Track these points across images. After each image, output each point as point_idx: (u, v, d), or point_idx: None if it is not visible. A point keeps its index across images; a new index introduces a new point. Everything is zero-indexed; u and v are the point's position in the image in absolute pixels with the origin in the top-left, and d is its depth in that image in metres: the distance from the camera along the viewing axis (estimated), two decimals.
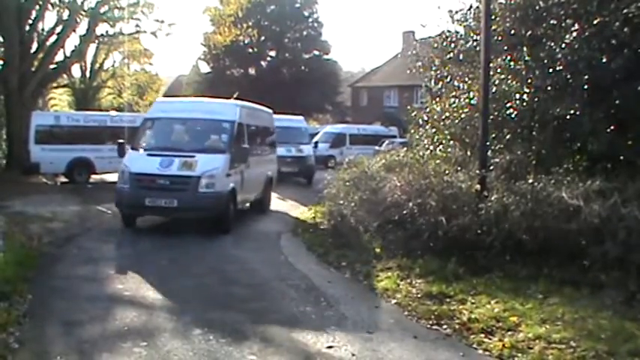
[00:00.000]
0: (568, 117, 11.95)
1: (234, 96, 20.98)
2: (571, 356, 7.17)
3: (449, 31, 15.98)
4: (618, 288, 8.97)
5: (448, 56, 15.56)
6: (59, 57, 34.07)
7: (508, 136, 13.20)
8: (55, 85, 43.84)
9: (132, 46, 48.45)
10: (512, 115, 13.00)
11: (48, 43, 31.36)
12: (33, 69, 30.15)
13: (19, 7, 28.55)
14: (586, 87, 12.06)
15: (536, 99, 12.60)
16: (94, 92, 52.18)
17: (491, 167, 12.11)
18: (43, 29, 33.24)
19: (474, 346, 7.74)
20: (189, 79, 65.99)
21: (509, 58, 13.45)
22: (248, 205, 17.71)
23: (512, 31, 13.55)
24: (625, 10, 11.42)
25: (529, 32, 13.22)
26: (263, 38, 60.59)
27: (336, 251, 12.90)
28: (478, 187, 11.49)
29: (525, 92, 12.78)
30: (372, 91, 62.69)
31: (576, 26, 12.21)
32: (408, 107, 19.50)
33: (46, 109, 45.60)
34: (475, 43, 14.17)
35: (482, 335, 7.99)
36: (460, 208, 11.30)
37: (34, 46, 31.03)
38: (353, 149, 35.33)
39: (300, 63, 62.04)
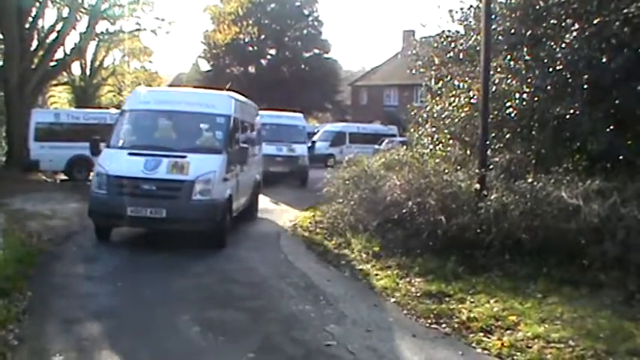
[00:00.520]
0: (568, 116, 11.95)
1: (227, 87, 18.67)
2: (570, 355, 7.19)
3: (449, 31, 15.99)
4: (617, 287, 8.99)
5: (448, 55, 15.57)
6: (59, 54, 33.96)
7: (508, 136, 13.21)
8: (54, 82, 43.73)
9: (132, 43, 48.36)
10: (512, 115, 13.00)
11: (48, 41, 31.28)
12: (33, 66, 30.08)
13: (19, 4, 28.47)
14: (586, 87, 12.07)
15: (536, 98, 12.60)
16: (94, 90, 52.03)
17: (491, 166, 12.11)
18: (43, 27, 33.15)
19: (473, 344, 7.76)
20: (189, 77, 65.99)
21: (509, 57, 13.46)
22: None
23: (512, 31, 13.56)
24: (625, 10, 11.43)
25: (529, 32, 13.23)
26: (263, 37, 60.78)
27: (335, 250, 12.91)
28: (478, 186, 11.50)
29: (525, 92, 12.78)
30: (372, 90, 62.72)
31: (576, 26, 12.22)
32: (408, 106, 19.54)
33: (45, 107, 45.52)
34: (475, 43, 14.18)
35: (482, 334, 8.01)
36: (460, 207, 11.31)
37: (34, 43, 30.95)
38: (352, 148, 35.25)
39: (300, 61, 62.15)
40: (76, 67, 47.57)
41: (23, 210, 16.36)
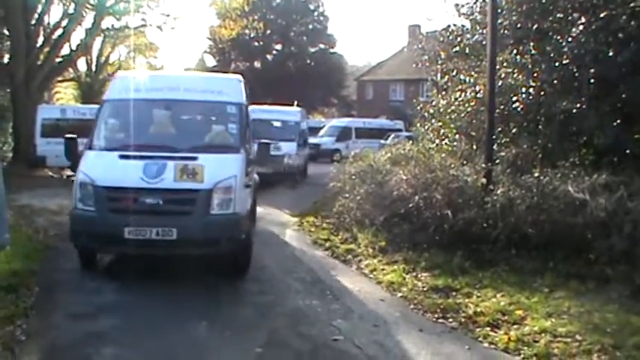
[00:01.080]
0: (574, 111, 11.93)
1: (231, 69, 14.01)
2: (577, 350, 7.18)
3: (455, 25, 15.99)
4: (624, 282, 8.98)
5: (454, 50, 15.55)
6: (65, 50, 34.06)
7: (514, 130, 13.20)
8: (60, 78, 43.89)
9: (138, 39, 48.45)
10: (519, 109, 12.98)
11: (54, 37, 31.35)
12: (39, 62, 30.15)
13: (25, 0, 28.56)
14: (592, 81, 12.05)
15: (542, 93, 12.58)
16: (100, 86, 51.99)
17: (497, 161, 12.11)
18: (49, 23, 33.24)
19: (480, 339, 7.76)
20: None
21: (515, 51, 13.44)
22: None
23: (519, 25, 13.53)
24: (632, 4, 11.43)
25: (535, 26, 13.20)
26: (269, 32, 60.79)
27: (342, 245, 12.92)
28: (484, 180, 11.49)
29: (531, 86, 12.77)
30: (378, 84, 62.67)
31: (583, 20, 12.21)
32: (414, 101, 19.51)
33: (51, 103, 45.64)
34: (481, 37, 14.18)
35: (488, 328, 8.00)
36: (466, 201, 11.30)
37: (40, 39, 31.03)
38: (359, 143, 35.23)
39: (306, 57, 62.18)
40: (81, 63, 47.86)
41: (30, 206, 16.38)
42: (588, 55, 11.91)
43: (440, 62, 16.29)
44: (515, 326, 8.00)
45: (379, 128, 42.56)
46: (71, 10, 31.54)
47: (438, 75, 16.35)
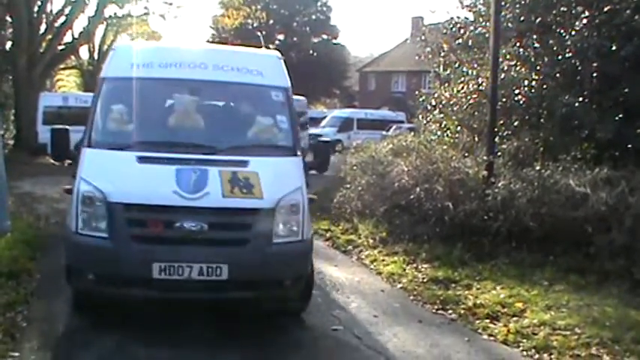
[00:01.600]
0: (576, 105, 11.94)
1: (262, 43, 9.87)
2: (575, 342, 7.19)
3: (458, 17, 15.98)
4: (623, 276, 9.00)
5: (457, 42, 15.54)
6: (67, 38, 34.10)
7: (516, 123, 13.20)
8: (63, 66, 43.90)
9: (140, 28, 48.39)
10: (521, 102, 13.00)
11: (56, 25, 31.36)
12: (41, 50, 30.19)
13: None
14: (595, 75, 12.05)
15: (544, 86, 12.59)
16: None
17: (499, 154, 12.11)
18: (51, 10, 33.28)
19: (479, 331, 7.77)
20: None
21: (518, 44, 13.44)
22: None
23: (522, 18, 13.51)
24: None
25: (538, 19, 13.19)
26: (272, 22, 60.58)
27: (342, 236, 12.94)
28: (485, 173, 11.48)
29: (534, 79, 12.77)
30: (380, 76, 62.66)
31: (586, 13, 12.19)
32: (416, 92, 19.47)
33: (53, 91, 45.63)
34: (484, 30, 14.14)
35: (488, 321, 8.01)
36: (467, 193, 11.30)
37: (43, 27, 31.06)
38: (360, 134, 35.23)
39: (309, 47, 62.05)
40: (84, 51, 47.80)
41: (31, 193, 16.40)
42: (591, 49, 11.90)
43: (442, 54, 16.26)
44: (514, 319, 8.01)
45: (381, 119, 42.51)
46: None
47: (441, 67, 16.30)
